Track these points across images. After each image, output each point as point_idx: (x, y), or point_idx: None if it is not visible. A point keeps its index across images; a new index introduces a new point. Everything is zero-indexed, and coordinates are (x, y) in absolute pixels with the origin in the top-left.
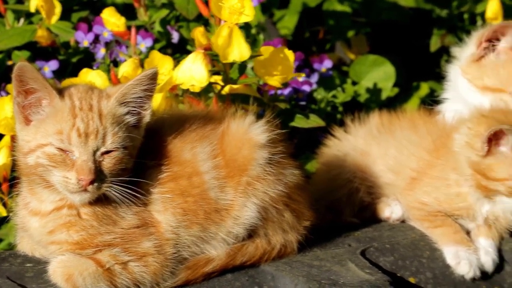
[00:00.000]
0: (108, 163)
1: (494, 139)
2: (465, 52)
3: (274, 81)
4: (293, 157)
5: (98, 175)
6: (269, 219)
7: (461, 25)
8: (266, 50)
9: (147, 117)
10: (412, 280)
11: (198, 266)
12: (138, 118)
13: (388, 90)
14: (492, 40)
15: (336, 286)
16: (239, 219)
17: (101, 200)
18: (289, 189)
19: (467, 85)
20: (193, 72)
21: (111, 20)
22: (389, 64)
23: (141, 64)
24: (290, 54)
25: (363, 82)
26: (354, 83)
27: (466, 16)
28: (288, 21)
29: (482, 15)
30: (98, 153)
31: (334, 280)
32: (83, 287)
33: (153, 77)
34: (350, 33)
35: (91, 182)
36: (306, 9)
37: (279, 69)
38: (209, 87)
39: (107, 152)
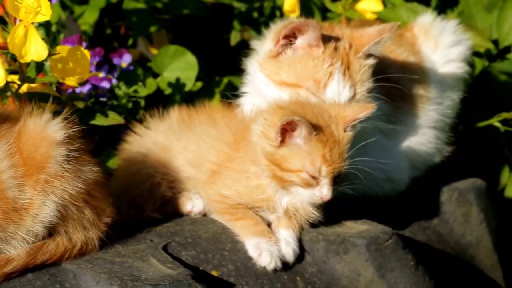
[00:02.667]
0: None
1: (289, 130)
2: (264, 46)
3: (71, 80)
4: (95, 154)
5: None
6: (69, 216)
7: (262, 18)
8: (63, 49)
9: None
10: (214, 273)
11: None
12: None
13: (191, 80)
14: (290, 37)
15: (138, 282)
16: (38, 217)
17: None
18: (88, 186)
19: (265, 79)
20: None
21: None
22: (190, 54)
23: None
24: (86, 53)
25: (165, 74)
26: (157, 76)
27: (267, 10)
28: (88, 17)
29: (281, 8)
30: None
31: (136, 276)
32: None
33: None
34: (152, 29)
35: None
36: (108, 5)
37: (76, 68)
38: (6, 86)
39: None
